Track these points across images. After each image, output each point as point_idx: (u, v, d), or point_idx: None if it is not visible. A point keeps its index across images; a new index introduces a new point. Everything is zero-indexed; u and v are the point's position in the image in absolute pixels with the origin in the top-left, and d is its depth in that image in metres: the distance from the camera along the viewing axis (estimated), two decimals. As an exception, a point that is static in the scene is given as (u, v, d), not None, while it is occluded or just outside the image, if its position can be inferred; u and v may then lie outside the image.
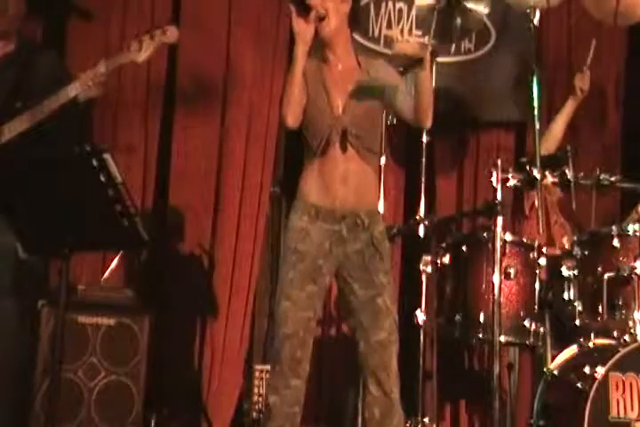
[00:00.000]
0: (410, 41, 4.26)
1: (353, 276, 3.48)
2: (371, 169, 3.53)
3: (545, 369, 3.95)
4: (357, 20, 3.63)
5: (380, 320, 3.45)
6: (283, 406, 3.39)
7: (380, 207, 3.95)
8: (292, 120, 3.44)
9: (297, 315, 3.41)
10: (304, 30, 3.38)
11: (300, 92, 3.43)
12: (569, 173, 4.02)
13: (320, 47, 3.52)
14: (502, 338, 3.87)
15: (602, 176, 4.05)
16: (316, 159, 3.50)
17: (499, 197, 3.93)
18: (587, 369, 3.71)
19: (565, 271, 4.00)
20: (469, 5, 4.58)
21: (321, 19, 3.42)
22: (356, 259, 3.47)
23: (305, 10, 3.36)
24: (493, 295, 3.83)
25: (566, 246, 4.16)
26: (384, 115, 3.75)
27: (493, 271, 3.86)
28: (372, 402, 3.46)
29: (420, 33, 5.21)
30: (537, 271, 4.01)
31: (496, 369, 3.79)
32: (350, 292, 3.49)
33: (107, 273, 4.45)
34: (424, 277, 4.06)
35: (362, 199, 3.49)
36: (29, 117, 3.71)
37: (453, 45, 5.26)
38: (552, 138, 4.72)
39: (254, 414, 4.70)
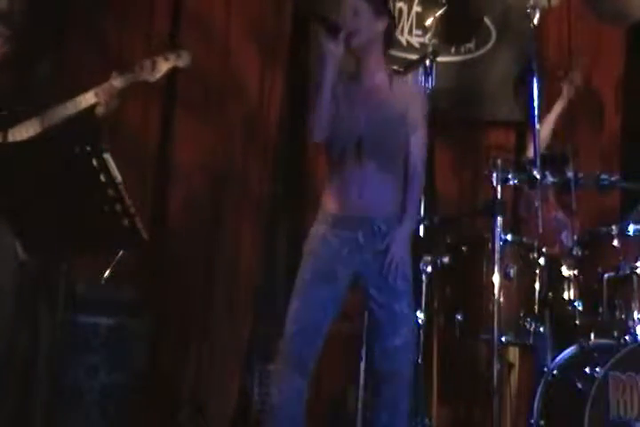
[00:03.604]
0: None
1: (371, 282, 3.50)
2: (391, 178, 3.53)
3: (545, 369, 3.95)
4: (393, 40, 3.66)
5: (397, 327, 3.46)
6: (286, 405, 3.40)
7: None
8: (320, 134, 3.47)
9: (307, 314, 3.43)
10: (333, 50, 3.39)
11: (328, 108, 3.44)
12: (569, 173, 4.02)
13: (352, 62, 3.54)
14: (502, 338, 3.87)
15: (602, 176, 4.05)
16: (335, 169, 3.54)
17: (499, 196, 3.93)
18: (587, 369, 3.71)
19: (565, 271, 4.00)
20: None
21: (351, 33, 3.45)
22: (374, 265, 3.48)
23: (333, 28, 3.39)
24: (493, 295, 3.82)
25: (566, 243, 4.16)
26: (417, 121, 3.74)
27: (493, 271, 3.85)
28: (380, 406, 3.46)
29: (420, 32, 5.22)
30: (537, 271, 4.01)
31: (496, 369, 3.79)
32: (369, 298, 3.51)
33: (107, 273, 4.45)
34: (424, 277, 4.05)
35: (379, 207, 3.51)
36: (38, 123, 3.72)
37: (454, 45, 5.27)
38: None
39: (254, 414, 4.70)
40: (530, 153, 4.48)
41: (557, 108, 4.81)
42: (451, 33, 5.07)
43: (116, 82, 3.75)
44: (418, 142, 3.58)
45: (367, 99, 3.54)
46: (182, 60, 3.83)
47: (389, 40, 3.62)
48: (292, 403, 3.41)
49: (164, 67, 3.81)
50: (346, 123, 3.50)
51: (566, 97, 4.81)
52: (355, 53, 3.54)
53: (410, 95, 3.62)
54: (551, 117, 4.79)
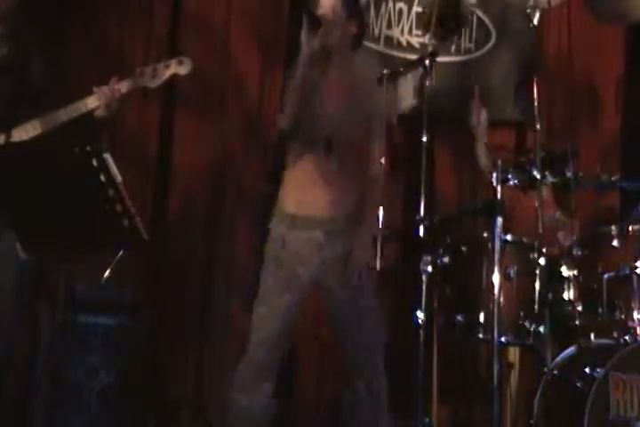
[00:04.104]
0: None
1: (333, 281, 3.53)
2: (352, 177, 3.57)
3: (545, 369, 3.94)
4: (361, 43, 3.72)
5: (365, 321, 3.51)
6: (252, 408, 3.45)
7: (380, 208, 3.97)
8: (290, 123, 3.52)
9: (273, 322, 3.49)
10: (312, 40, 3.46)
11: (301, 98, 3.48)
12: (569, 174, 4.02)
13: (322, 58, 3.57)
14: (502, 338, 3.86)
15: (602, 176, 4.05)
16: (296, 166, 3.57)
17: (498, 196, 3.92)
18: (587, 369, 3.71)
19: (565, 271, 4.00)
20: None
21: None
22: (336, 264, 3.51)
23: (315, 21, 3.47)
24: (493, 295, 3.82)
25: (563, 242, 4.16)
26: (379, 123, 3.79)
27: (493, 271, 3.85)
28: (359, 402, 3.50)
29: (419, 32, 5.22)
30: (537, 271, 4.00)
31: (496, 369, 3.79)
32: (332, 297, 3.55)
33: (107, 273, 4.45)
34: (424, 278, 4.05)
35: (340, 205, 3.54)
36: (41, 124, 3.72)
37: (453, 45, 5.27)
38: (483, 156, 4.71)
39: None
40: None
41: (480, 149, 4.71)
42: (442, 30, 5.07)
43: (119, 86, 3.75)
44: (378, 146, 3.65)
45: (335, 94, 3.59)
46: (184, 68, 3.84)
47: (357, 43, 3.68)
48: (258, 407, 3.45)
49: (164, 73, 3.82)
50: (314, 118, 3.53)
51: (481, 137, 4.73)
52: (325, 51, 3.57)
53: (374, 98, 3.68)
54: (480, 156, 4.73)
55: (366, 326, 3.52)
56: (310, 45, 3.45)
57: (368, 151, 3.63)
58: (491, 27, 5.35)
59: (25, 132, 3.72)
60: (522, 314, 3.99)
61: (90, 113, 3.75)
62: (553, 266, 4.04)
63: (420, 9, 5.27)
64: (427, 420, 4.12)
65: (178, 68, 3.83)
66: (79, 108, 3.74)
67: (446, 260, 4.12)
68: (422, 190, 4.27)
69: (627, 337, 3.81)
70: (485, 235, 4.02)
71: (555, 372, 3.89)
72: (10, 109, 3.76)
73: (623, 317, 3.88)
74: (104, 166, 2.99)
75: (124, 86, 3.76)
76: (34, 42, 4.41)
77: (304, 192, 3.52)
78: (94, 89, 3.75)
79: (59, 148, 3.25)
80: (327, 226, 3.51)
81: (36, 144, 3.70)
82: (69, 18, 4.89)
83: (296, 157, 3.58)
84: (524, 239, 4.09)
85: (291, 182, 3.58)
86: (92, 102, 3.74)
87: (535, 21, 4.23)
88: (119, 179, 3.03)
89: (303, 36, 3.45)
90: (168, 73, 3.82)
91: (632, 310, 3.84)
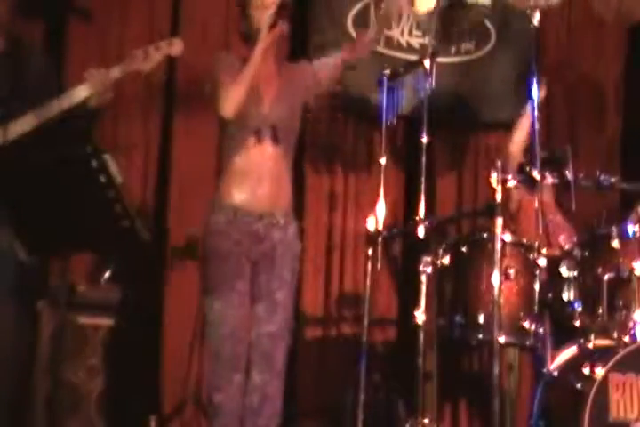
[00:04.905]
0: None
1: (264, 269, 3.62)
2: (286, 169, 3.68)
3: (544, 370, 3.95)
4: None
5: (275, 313, 3.59)
6: (229, 403, 3.51)
7: (380, 208, 3.98)
8: (234, 112, 3.57)
9: (233, 315, 3.55)
10: (270, 37, 3.65)
11: (249, 87, 3.58)
12: (568, 174, 4.02)
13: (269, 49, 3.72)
14: (502, 339, 3.86)
15: (602, 177, 4.05)
16: (236, 158, 3.62)
17: (498, 197, 3.92)
18: (586, 370, 3.71)
19: (565, 272, 4.00)
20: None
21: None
22: (270, 255, 3.61)
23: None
24: (493, 296, 3.82)
25: (563, 245, 4.16)
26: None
27: (493, 272, 3.85)
28: (251, 390, 3.56)
29: (420, 33, 5.23)
30: (537, 272, 4.00)
31: (496, 370, 3.79)
32: (256, 282, 3.62)
33: (107, 273, 4.45)
34: (424, 278, 4.05)
35: (277, 200, 3.64)
36: (36, 117, 3.71)
37: (453, 46, 5.27)
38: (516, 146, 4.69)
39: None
40: (512, 147, 4.49)
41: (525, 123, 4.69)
42: (449, 33, 5.08)
43: (110, 72, 3.73)
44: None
45: (268, 84, 3.69)
46: (174, 48, 3.80)
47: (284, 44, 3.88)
48: (234, 399, 3.53)
49: (155, 56, 3.78)
50: (255, 108, 3.62)
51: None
52: (274, 44, 3.74)
53: (305, 88, 3.79)
54: (520, 135, 4.70)
55: (275, 319, 3.59)
56: (268, 42, 3.63)
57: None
58: (490, 27, 5.35)
59: (20, 126, 3.71)
60: (522, 314, 3.99)
61: (84, 103, 3.73)
62: (552, 267, 4.05)
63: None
64: (426, 420, 4.12)
65: (169, 49, 3.79)
66: (72, 98, 3.71)
67: (446, 260, 4.12)
68: (422, 190, 4.27)
69: (626, 338, 3.81)
70: (485, 235, 4.03)
71: (554, 373, 3.89)
72: (7, 106, 3.76)
73: (623, 317, 3.88)
74: (104, 167, 2.99)
75: (115, 71, 3.74)
76: (33, 39, 4.41)
77: (245, 186, 3.60)
78: (86, 76, 3.72)
79: (59, 148, 3.24)
80: (266, 219, 3.60)
81: (36, 144, 3.70)
82: (70, 19, 4.89)
83: (238, 148, 3.63)
84: (524, 240, 4.09)
85: (232, 175, 3.64)
86: (84, 91, 3.71)
87: (535, 22, 4.23)
88: (119, 180, 3.02)
89: (265, 31, 3.61)
90: (159, 55, 3.77)
91: (632, 311, 3.85)
